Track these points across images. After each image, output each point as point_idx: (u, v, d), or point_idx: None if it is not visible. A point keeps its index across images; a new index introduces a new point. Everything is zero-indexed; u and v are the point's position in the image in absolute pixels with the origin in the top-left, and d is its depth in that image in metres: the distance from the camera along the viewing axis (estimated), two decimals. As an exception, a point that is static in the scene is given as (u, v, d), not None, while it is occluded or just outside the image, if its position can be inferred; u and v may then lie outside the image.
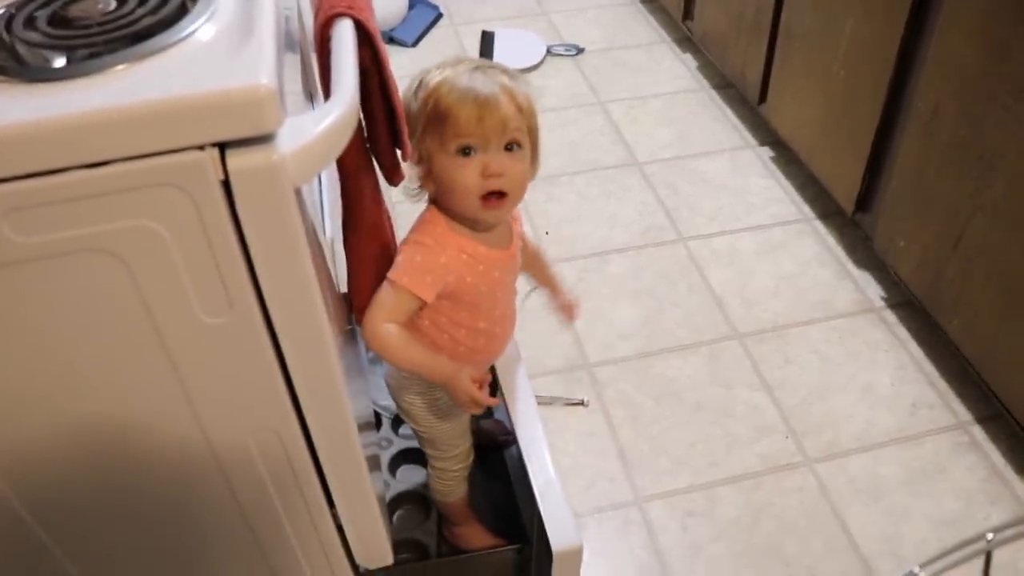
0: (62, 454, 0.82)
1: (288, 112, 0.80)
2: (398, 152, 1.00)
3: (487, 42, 2.79)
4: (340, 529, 1.01)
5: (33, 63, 0.70)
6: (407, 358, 1.05)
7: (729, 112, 2.50)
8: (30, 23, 0.75)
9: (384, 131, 0.97)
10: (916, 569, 0.88)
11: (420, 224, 1.07)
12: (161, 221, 0.67)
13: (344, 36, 0.85)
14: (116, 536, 0.94)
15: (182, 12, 0.75)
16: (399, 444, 1.44)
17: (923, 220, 1.64)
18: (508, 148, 1.00)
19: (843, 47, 1.82)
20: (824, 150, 1.99)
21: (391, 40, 2.83)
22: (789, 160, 2.26)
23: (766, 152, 2.34)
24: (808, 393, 1.70)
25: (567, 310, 1.33)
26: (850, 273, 1.96)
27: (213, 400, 0.82)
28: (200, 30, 0.73)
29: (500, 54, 2.72)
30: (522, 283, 1.20)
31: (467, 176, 0.99)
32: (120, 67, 0.68)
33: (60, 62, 0.70)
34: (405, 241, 1.07)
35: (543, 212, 2.12)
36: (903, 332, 1.81)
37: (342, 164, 0.96)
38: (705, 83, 2.63)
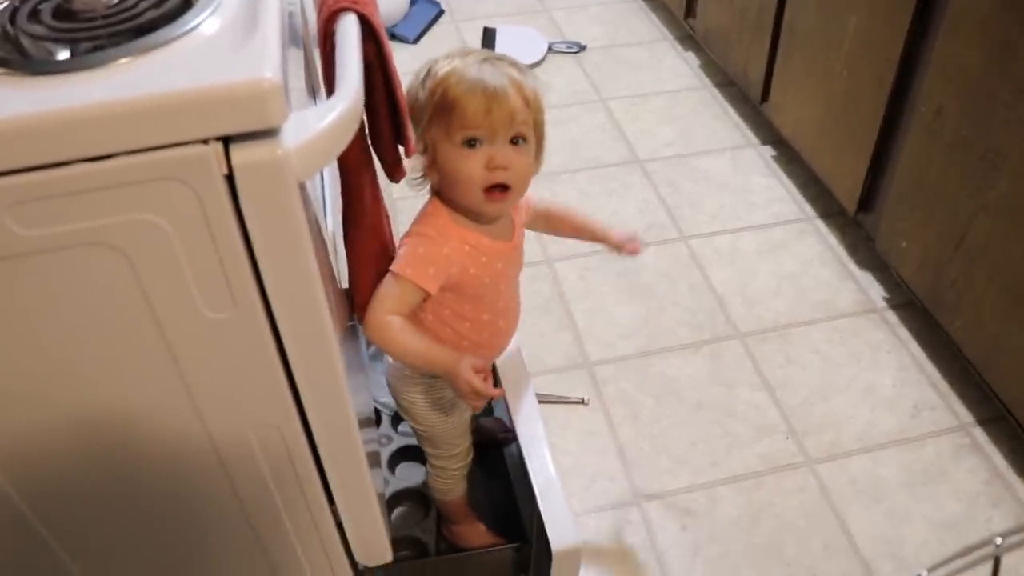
0: (63, 448, 0.82)
1: (292, 106, 0.80)
2: (400, 148, 0.99)
3: (489, 39, 2.78)
4: (340, 526, 1.01)
5: (37, 56, 0.70)
6: (410, 350, 1.05)
7: (731, 110, 2.50)
8: (34, 16, 0.75)
9: (387, 127, 0.96)
10: (924, 573, 0.88)
11: (422, 216, 1.07)
12: (164, 215, 0.67)
13: (348, 31, 0.84)
14: (116, 531, 0.94)
15: (186, 6, 0.75)
16: (399, 441, 1.44)
17: (925, 220, 1.64)
18: (514, 141, 1.00)
19: (846, 46, 1.81)
20: (826, 149, 1.98)
21: (393, 36, 2.82)
22: (791, 159, 2.25)
23: (768, 151, 2.33)
24: (809, 393, 1.70)
25: (628, 245, 1.26)
26: (852, 273, 1.96)
27: (214, 395, 0.81)
28: (204, 24, 0.73)
29: (501, 51, 2.70)
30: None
31: (471, 168, 0.99)
32: (124, 60, 0.68)
33: (64, 55, 0.70)
34: (408, 233, 1.06)
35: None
36: (905, 333, 1.81)
37: (344, 160, 0.95)
38: (707, 81, 2.63)
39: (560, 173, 2.25)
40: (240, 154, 0.65)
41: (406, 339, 1.04)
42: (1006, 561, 0.89)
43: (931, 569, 0.88)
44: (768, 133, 2.36)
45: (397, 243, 1.08)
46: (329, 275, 0.96)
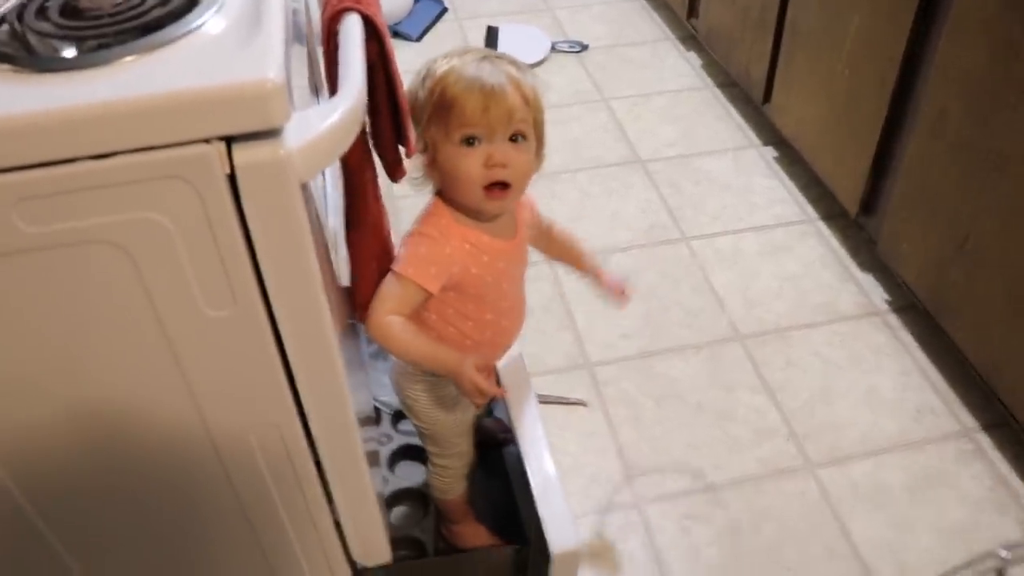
0: (63, 444, 0.82)
1: (294, 105, 0.80)
2: (401, 148, 0.99)
3: (492, 37, 2.78)
4: (338, 525, 1.01)
5: (43, 53, 0.70)
6: (412, 349, 1.05)
7: (733, 111, 2.50)
8: (42, 13, 0.75)
9: (388, 127, 0.96)
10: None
11: (424, 215, 1.07)
12: (166, 213, 0.67)
13: (351, 31, 0.84)
14: (115, 529, 0.94)
15: (191, 4, 0.75)
16: (399, 440, 1.43)
17: (928, 222, 1.63)
18: (513, 139, 1.00)
19: (848, 46, 1.81)
20: (828, 150, 1.98)
21: (396, 34, 2.82)
22: (793, 160, 2.25)
23: (770, 152, 2.33)
24: (810, 396, 1.69)
25: (617, 293, 1.29)
26: (853, 275, 1.95)
27: (214, 392, 0.82)
28: (209, 23, 0.73)
29: (504, 49, 2.70)
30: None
31: (471, 166, 0.99)
32: (129, 58, 0.69)
33: (70, 52, 0.70)
34: (409, 233, 1.06)
35: (545, 210, 2.10)
36: (907, 336, 1.81)
37: (345, 160, 0.95)
38: (709, 81, 2.63)
39: (561, 173, 2.25)
40: (242, 154, 0.65)
41: (408, 339, 1.04)
42: (1013, 572, 0.88)
43: (935, 581, 0.88)
44: (770, 134, 2.35)
45: (397, 242, 1.08)
46: (330, 274, 0.96)
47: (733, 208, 2.15)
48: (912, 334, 1.81)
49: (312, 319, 0.77)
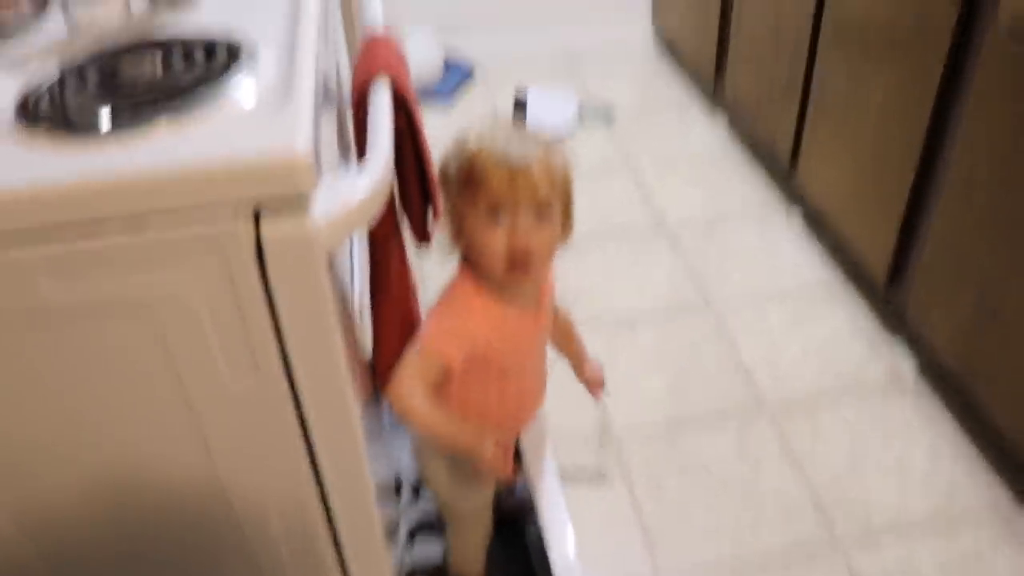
0: (83, 510, 0.82)
1: (323, 168, 0.80)
2: (429, 215, 1.00)
3: (520, 103, 2.81)
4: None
5: (81, 120, 0.71)
6: (431, 424, 1.04)
7: (759, 176, 2.49)
8: (81, 81, 0.77)
9: (416, 193, 0.97)
10: None
11: (449, 288, 1.06)
12: (192, 282, 0.67)
13: (381, 100, 0.86)
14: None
15: (225, 73, 0.76)
16: (418, 512, 1.41)
17: (958, 290, 1.61)
18: (538, 215, 1.00)
19: (874, 113, 1.81)
20: (856, 216, 1.97)
21: (425, 99, 2.85)
22: (820, 226, 2.24)
23: (797, 217, 2.32)
24: (838, 470, 1.65)
25: (593, 386, 1.31)
26: (882, 343, 1.92)
27: (234, 461, 0.81)
28: (241, 91, 0.74)
29: (532, 114, 2.74)
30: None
31: (494, 240, 0.99)
32: (162, 126, 0.70)
33: (107, 120, 0.71)
34: (433, 305, 1.06)
35: (570, 277, 2.11)
36: (938, 408, 1.77)
37: (372, 230, 0.95)
38: (735, 146, 2.63)
39: (586, 239, 2.25)
40: (270, 228, 0.65)
41: (428, 413, 1.02)
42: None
43: None
44: (797, 199, 2.34)
45: (424, 313, 1.07)
46: (353, 345, 0.96)
47: (759, 275, 2.13)
48: (943, 405, 1.77)
49: (334, 392, 0.76)
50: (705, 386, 1.84)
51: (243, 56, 0.78)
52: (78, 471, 0.78)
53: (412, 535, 1.40)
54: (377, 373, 1.04)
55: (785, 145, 2.24)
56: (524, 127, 1.05)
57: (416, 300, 1.08)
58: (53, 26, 0.90)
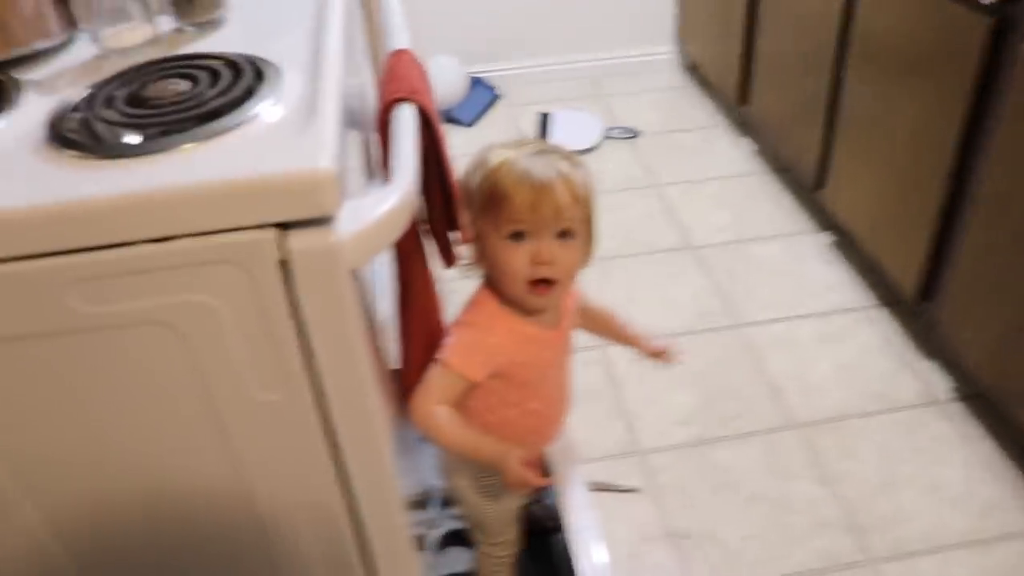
0: (114, 519, 0.83)
1: (349, 189, 0.81)
2: (453, 235, 1.00)
3: (544, 124, 2.82)
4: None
5: (109, 140, 0.73)
6: (455, 441, 1.04)
7: (786, 196, 2.49)
8: (109, 102, 0.78)
9: (441, 214, 0.98)
10: None
11: (471, 304, 1.06)
12: (219, 297, 0.68)
13: (405, 121, 0.86)
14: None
15: (250, 93, 0.77)
16: (447, 525, 1.41)
17: (991, 309, 1.59)
18: (561, 236, 0.99)
19: (902, 132, 1.80)
20: (885, 236, 1.96)
21: (449, 120, 2.88)
22: (849, 246, 2.23)
23: (825, 237, 2.31)
24: (870, 489, 1.64)
25: (662, 355, 1.29)
26: (914, 363, 1.90)
27: (263, 474, 0.82)
28: (266, 111, 0.75)
29: (557, 136, 2.75)
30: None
31: (516, 261, 0.99)
32: (189, 146, 0.70)
33: (134, 140, 0.72)
34: (456, 322, 1.06)
35: (597, 295, 2.10)
36: (972, 427, 1.75)
37: (397, 247, 0.96)
38: (762, 167, 2.63)
39: (613, 259, 2.25)
40: (295, 241, 0.66)
41: (452, 430, 1.03)
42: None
43: None
44: (824, 219, 2.34)
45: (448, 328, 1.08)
46: (380, 358, 0.96)
47: (787, 295, 2.12)
48: (977, 424, 1.75)
49: (361, 404, 0.77)
50: (734, 403, 1.83)
51: (268, 77, 0.80)
52: (108, 482, 0.79)
53: (441, 545, 1.40)
54: (403, 388, 1.05)
55: (811, 165, 2.23)
56: (548, 143, 1.05)
57: (442, 316, 1.09)
58: (82, 48, 0.93)
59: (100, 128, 0.73)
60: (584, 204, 1.01)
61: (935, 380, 1.86)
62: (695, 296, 2.13)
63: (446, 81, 2.89)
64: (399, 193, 0.74)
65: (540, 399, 1.10)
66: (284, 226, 0.66)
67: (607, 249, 2.25)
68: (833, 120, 2.10)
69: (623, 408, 1.82)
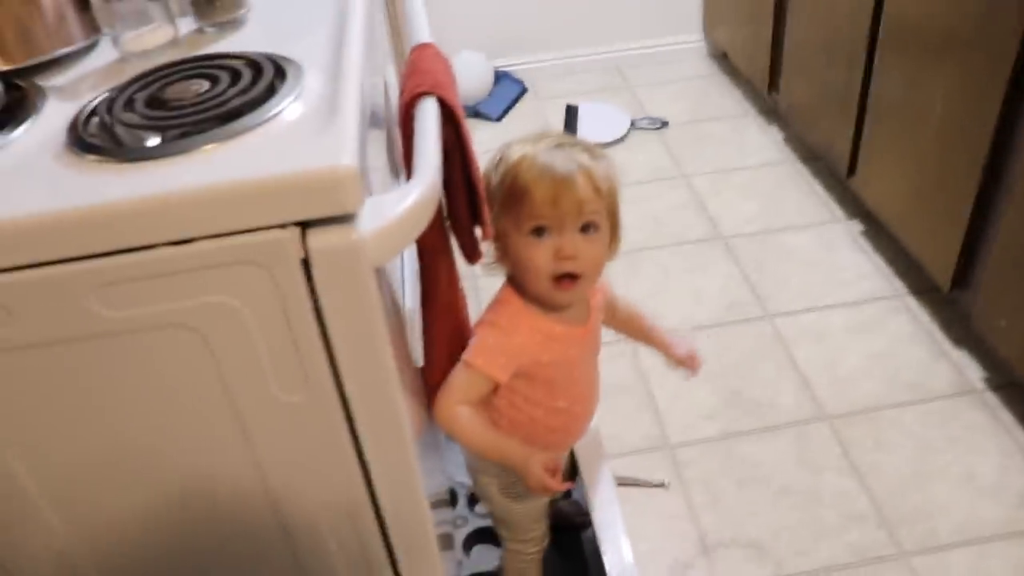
0: (134, 525, 0.83)
1: (372, 187, 0.81)
2: (478, 231, 0.99)
3: (571, 117, 2.81)
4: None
5: (129, 143, 0.73)
6: (477, 442, 1.04)
7: (817, 185, 2.46)
8: (129, 105, 0.78)
9: (464, 210, 0.97)
10: None
11: (495, 304, 1.06)
12: (241, 298, 0.68)
13: (428, 116, 0.86)
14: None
15: (270, 92, 0.77)
16: (474, 523, 1.42)
17: (1026, 298, 1.57)
18: (584, 229, 0.98)
19: (935, 118, 1.77)
20: (917, 224, 1.93)
21: (476, 114, 2.88)
22: (880, 234, 2.20)
23: (856, 226, 2.28)
24: (902, 480, 1.62)
25: (687, 362, 1.28)
26: (947, 352, 1.88)
27: (286, 475, 0.81)
28: (287, 110, 0.75)
29: (584, 128, 2.74)
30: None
31: (539, 257, 0.98)
32: (209, 147, 0.70)
33: (154, 142, 0.72)
34: (479, 321, 1.06)
35: (626, 287, 2.10)
36: (1007, 416, 1.72)
37: (421, 243, 0.96)
38: (791, 155, 2.60)
39: (641, 250, 2.24)
40: (317, 239, 0.66)
41: (475, 431, 1.02)
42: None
43: None
44: (855, 207, 2.31)
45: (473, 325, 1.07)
46: (405, 356, 0.96)
47: (818, 284, 2.10)
48: (1012, 414, 1.72)
49: (386, 405, 0.76)
50: (763, 394, 1.81)
51: (289, 76, 0.79)
52: (131, 487, 0.79)
53: (469, 544, 1.40)
54: (427, 386, 1.05)
55: (843, 153, 2.20)
56: (569, 136, 1.04)
57: (466, 313, 1.09)
58: (104, 53, 0.93)
59: (120, 131, 0.73)
60: (607, 196, 1.00)
61: (968, 369, 1.83)
62: (724, 287, 2.11)
63: (473, 76, 2.88)
64: (421, 189, 0.73)
65: (567, 397, 1.09)
66: (306, 225, 0.66)
67: (636, 241, 2.25)
68: (864, 106, 2.07)
69: (650, 402, 1.81)
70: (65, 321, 0.67)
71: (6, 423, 0.74)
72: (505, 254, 1.02)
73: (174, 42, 0.91)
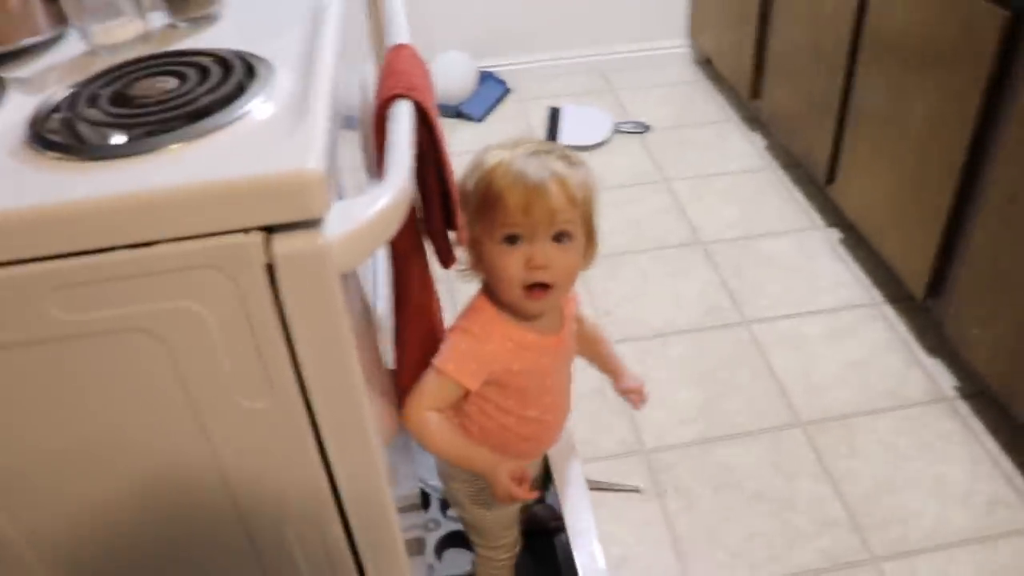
0: (94, 531, 0.81)
1: (345, 189, 0.79)
2: (452, 236, 0.99)
3: (554, 119, 2.81)
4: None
5: (93, 141, 0.71)
6: (446, 449, 1.03)
7: (797, 192, 2.47)
8: (93, 101, 0.76)
9: (439, 214, 0.96)
10: None
11: (468, 310, 1.05)
12: (203, 303, 0.67)
13: (401, 118, 0.84)
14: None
15: (239, 91, 0.76)
16: (447, 527, 1.41)
17: (999, 308, 1.57)
18: (557, 239, 0.97)
19: (914, 128, 1.78)
20: (894, 233, 1.93)
21: (458, 114, 2.86)
22: (858, 242, 2.20)
23: (834, 234, 2.29)
24: (875, 486, 1.62)
25: (633, 394, 1.28)
26: (920, 361, 1.89)
27: (250, 482, 0.80)
28: (256, 110, 0.73)
29: (567, 131, 2.74)
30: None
31: (511, 265, 0.97)
32: (175, 146, 0.69)
33: (119, 140, 0.71)
34: (452, 327, 1.05)
35: (605, 291, 2.10)
36: (977, 424, 1.73)
37: (393, 247, 0.94)
38: (772, 162, 2.61)
39: (622, 254, 2.24)
40: (282, 244, 0.64)
41: (444, 437, 1.02)
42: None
43: None
44: (834, 215, 2.31)
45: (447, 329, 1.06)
46: (376, 360, 0.95)
47: (796, 291, 2.10)
48: (983, 422, 1.73)
49: (351, 412, 0.75)
50: (739, 400, 1.81)
51: (260, 74, 0.78)
52: (89, 493, 0.78)
53: (441, 547, 1.40)
54: (397, 389, 1.04)
55: (823, 160, 2.21)
56: (547, 142, 1.03)
57: (440, 317, 1.08)
58: (71, 45, 0.91)
59: (83, 128, 0.71)
60: (582, 205, 0.99)
61: (941, 377, 1.84)
62: (703, 292, 2.11)
63: (456, 76, 2.87)
64: (391, 193, 0.72)
65: (538, 406, 1.08)
66: (271, 229, 0.65)
67: (616, 244, 2.25)
68: (845, 115, 2.08)
69: (626, 407, 1.79)
70: (21, 324, 0.65)
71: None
72: (479, 260, 1.01)
73: (144, 36, 0.90)
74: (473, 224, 0.98)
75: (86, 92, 0.77)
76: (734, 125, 2.81)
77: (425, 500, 1.45)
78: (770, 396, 1.82)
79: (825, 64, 2.13)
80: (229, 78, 0.77)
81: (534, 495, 1.06)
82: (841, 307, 2.04)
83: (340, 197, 0.78)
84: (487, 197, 0.96)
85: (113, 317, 0.66)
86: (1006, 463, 1.65)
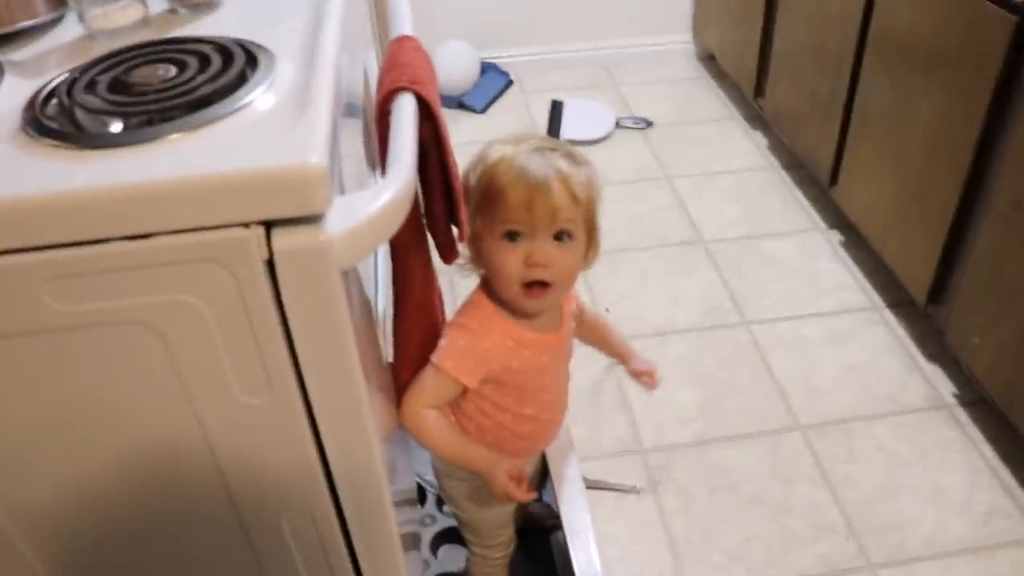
0: (89, 523, 0.80)
1: (346, 181, 0.78)
2: (455, 230, 0.97)
3: (556, 112, 2.79)
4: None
5: (90, 129, 0.69)
6: (442, 447, 1.02)
7: (799, 193, 2.45)
8: (91, 87, 0.75)
9: (441, 208, 0.94)
10: None
11: (466, 307, 1.04)
12: (202, 297, 0.65)
13: (404, 112, 0.83)
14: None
15: (241, 80, 0.74)
16: (442, 522, 1.40)
17: (1001, 316, 1.56)
18: (558, 237, 0.96)
19: (919, 131, 1.76)
20: (896, 237, 1.92)
21: (460, 105, 2.85)
22: (860, 245, 2.19)
23: (836, 236, 2.27)
24: (872, 492, 1.61)
25: (646, 377, 1.27)
26: (920, 367, 1.88)
27: (246, 477, 0.79)
28: (258, 100, 0.72)
29: (568, 125, 2.72)
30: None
31: (510, 262, 0.96)
32: (175, 136, 0.67)
33: (116, 129, 0.69)
34: (450, 324, 1.04)
35: (605, 288, 2.08)
36: (976, 432, 1.72)
37: (395, 242, 0.93)
38: (775, 162, 2.59)
39: (622, 251, 2.22)
40: (282, 240, 0.63)
41: (441, 435, 1.01)
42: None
43: None
44: (836, 217, 2.30)
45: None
46: (376, 356, 0.94)
47: (796, 292, 2.09)
48: (982, 430, 1.72)
49: (350, 409, 0.74)
50: (738, 402, 1.80)
51: (261, 63, 0.76)
52: (84, 486, 0.77)
53: (436, 544, 1.39)
54: (396, 384, 1.03)
55: (826, 161, 2.20)
56: (552, 139, 1.02)
57: (441, 312, 1.06)
58: (70, 29, 0.89)
59: (80, 115, 0.70)
60: (585, 205, 0.97)
61: (941, 384, 1.83)
62: (704, 292, 2.10)
63: (459, 67, 2.85)
64: (394, 188, 0.70)
65: (536, 405, 1.07)
66: (271, 224, 0.63)
67: (617, 241, 2.23)
68: (849, 116, 2.06)
69: (625, 405, 1.80)
70: (16, 314, 0.64)
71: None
72: (478, 256, 1.00)
73: (144, 21, 0.88)
74: (475, 218, 0.97)
75: (84, 78, 0.75)
76: (737, 123, 2.80)
77: (421, 495, 1.44)
78: (769, 398, 1.81)
79: (830, 65, 2.11)
80: (230, 67, 0.76)
81: (532, 495, 1.04)
82: (842, 310, 2.03)
83: (341, 189, 0.77)
84: (489, 192, 0.95)
85: (109, 309, 0.64)
86: (1005, 474, 1.64)
